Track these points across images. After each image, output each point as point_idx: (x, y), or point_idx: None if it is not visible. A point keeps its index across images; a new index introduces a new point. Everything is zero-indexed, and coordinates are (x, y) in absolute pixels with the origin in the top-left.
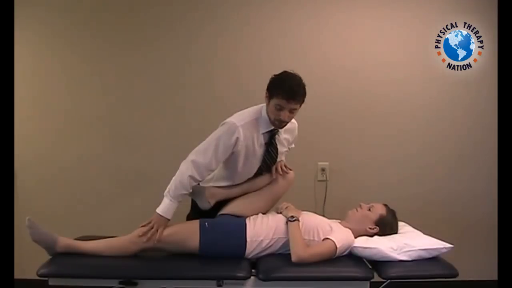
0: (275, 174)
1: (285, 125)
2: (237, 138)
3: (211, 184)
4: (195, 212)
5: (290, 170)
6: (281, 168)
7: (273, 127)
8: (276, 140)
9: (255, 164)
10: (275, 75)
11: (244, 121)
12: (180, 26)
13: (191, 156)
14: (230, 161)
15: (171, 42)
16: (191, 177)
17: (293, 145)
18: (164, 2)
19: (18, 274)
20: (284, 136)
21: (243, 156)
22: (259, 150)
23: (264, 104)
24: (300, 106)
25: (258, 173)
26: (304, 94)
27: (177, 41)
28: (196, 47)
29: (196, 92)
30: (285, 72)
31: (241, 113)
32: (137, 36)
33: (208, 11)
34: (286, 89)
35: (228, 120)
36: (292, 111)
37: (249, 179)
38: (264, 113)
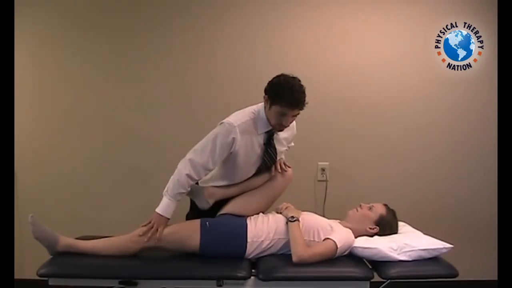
0: (274, 172)
1: (285, 128)
2: (234, 138)
3: (210, 184)
4: (194, 212)
5: (289, 167)
6: (280, 166)
7: (271, 128)
8: (275, 140)
9: (254, 164)
10: (274, 79)
11: (241, 121)
12: (182, 27)
13: (189, 155)
14: (229, 161)
15: (173, 42)
16: (188, 175)
17: (292, 144)
18: (166, 3)
19: (18, 274)
20: (282, 135)
21: (241, 156)
22: (258, 150)
23: (261, 104)
24: (302, 109)
25: (257, 172)
26: (305, 99)
27: (179, 41)
28: (198, 48)
29: (197, 91)
30: (284, 77)
31: (238, 113)
32: (137, 36)
33: (211, 12)
34: (290, 98)
35: (225, 120)
36: (294, 116)
37: (247, 178)
38: (262, 113)
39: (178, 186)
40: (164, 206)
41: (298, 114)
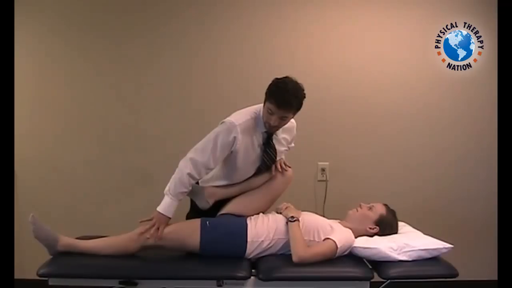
0: (274, 171)
1: (276, 129)
2: (235, 137)
3: (210, 183)
4: (194, 212)
5: (289, 167)
6: (281, 166)
7: None
8: (274, 140)
9: (254, 164)
10: (277, 78)
11: (242, 120)
12: (184, 27)
13: (190, 154)
14: (229, 160)
15: (174, 42)
16: (190, 175)
17: (292, 144)
18: (167, 3)
19: (18, 274)
20: (282, 135)
21: (242, 155)
22: (258, 150)
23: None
24: (294, 115)
25: (257, 172)
26: (298, 105)
27: (181, 41)
28: (200, 48)
29: (198, 91)
30: (286, 78)
31: (239, 112)
32: (138, 36)
33: (214, 11)
34: (279, 97)
35: (226, 119)
36: (282, 118)
37: (247, 178)
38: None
39: (179, 185)
40: (165, 205)
41: (287, 117)
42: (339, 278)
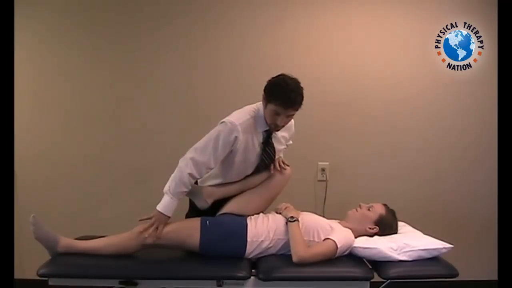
0: (273, 170)
1: (281, 128)
2: (236, 137)
3: (207, 182)
4: (193, 212)
5: (288, 166)
6: (279, 164)
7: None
8: (273, 139)
9: (253, 163)
10: (273, 78)
11: (242, 120)
12: (184, 27)
13: (190, 153)
14: (227, 159)
15: (175, 41)
16: (191, 174)
17: (290, 142)
18: (168, 3)
19: (18, 274)
20: (281, 134)
21: (241, 154)
22: (258, 149)
23: (261, 103)
24: (297, 110)
25: (256, 171)
26: (301, 100)
27: (181, 40)
28: (200, 47)
29: (199, 91)
30: (282, 76)
31: (239, 112)
32: (139, 35)
33: (215, 11)
34: (284, 97)
35: (226, 119)
36: (289, 116)
37: (246, 177)
38: (261, 112)
39: (180, 185)
40: (165, 204)
41: (293, 114)
42: (339, 278)
